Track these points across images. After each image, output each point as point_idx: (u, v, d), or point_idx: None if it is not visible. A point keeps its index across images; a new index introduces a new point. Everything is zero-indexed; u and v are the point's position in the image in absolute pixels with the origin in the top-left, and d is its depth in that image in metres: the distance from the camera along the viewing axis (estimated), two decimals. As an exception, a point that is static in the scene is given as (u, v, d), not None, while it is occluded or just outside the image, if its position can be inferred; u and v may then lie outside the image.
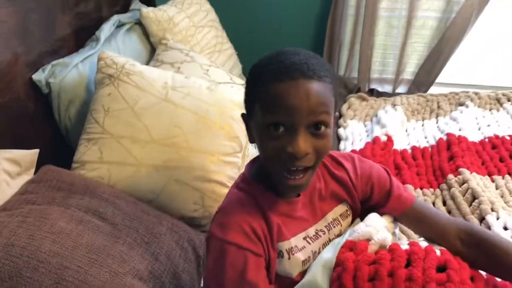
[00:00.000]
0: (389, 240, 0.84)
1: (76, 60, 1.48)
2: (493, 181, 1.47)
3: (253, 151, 1.61)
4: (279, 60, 0.79)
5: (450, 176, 1.46)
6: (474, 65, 2.73)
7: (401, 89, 2.69)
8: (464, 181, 1.42)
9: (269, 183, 0.85)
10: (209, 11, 2.06)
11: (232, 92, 1.45)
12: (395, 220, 0.96)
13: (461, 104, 1.86)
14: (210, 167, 1.30)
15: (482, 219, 1.31)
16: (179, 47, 1.71)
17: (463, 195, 1.38)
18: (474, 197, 1.36)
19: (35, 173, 1.19)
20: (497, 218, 1.28)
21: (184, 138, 1.31)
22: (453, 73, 2.68)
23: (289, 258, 0.86)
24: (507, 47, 2.69)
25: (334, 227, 0.92)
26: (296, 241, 0.87)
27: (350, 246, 0.82)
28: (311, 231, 0.89)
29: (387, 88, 2.70)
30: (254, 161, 0.92)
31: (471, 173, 1.46)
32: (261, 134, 0.79)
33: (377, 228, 0.85)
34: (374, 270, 0.77)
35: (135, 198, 1.23)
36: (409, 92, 2.64)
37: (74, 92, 1.43)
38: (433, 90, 2.61)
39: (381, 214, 0.92)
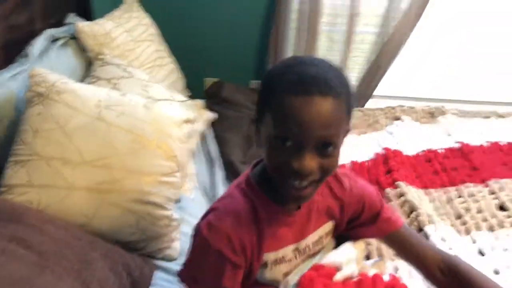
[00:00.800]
0: (355, 274, 0.85)
1: (4, 77, 1.39)
2: (427, 194, 1.52)
3: (193, 170, 1.59)
4: (296, 71, 0.76)
5: (388, 189, 1.49)
6: (410, 77, 2.83)
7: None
8: (401, 194, 1.45)
9: (271, 189, 0.83)
10: (149, 25, 2.02)
11: (170, 110, 1.41)
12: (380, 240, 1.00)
13: (397, 118, 1.91)
14: (146, 189, 1.25)
15: (419, 230, 1.34)
16: (116, 62, 1.66)
17: (401, 208, 1.41)
18: (412, 209, 1.39)
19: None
20: (435, 230, 1.31)
21: (118, 159, 1.26)
22: (390, 85, 2.78)
23: (271, 269, 0.86)
24: (439, 61, 2.80)
25: (318, 244, 0.93)
26: (285, 252, 0.87)
27: (317, 269, 0.83)
28: (302, 244, 0.90)
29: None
30: (259, 161, 0.91)
31: (407, 185, 1.49)
32: (269, 144, 0.77)
33: (347, 260, 0.87)
34: None
35: (66, 223, 1.16)
36: (351, 105, 2.72)
37: (2, 111, 1.34)
38: (372, 102, 2.70)
39: (366, 234, 0.96)
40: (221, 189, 1.56)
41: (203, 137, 1.80)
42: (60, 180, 1.19)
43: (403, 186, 1.48)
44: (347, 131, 0.80)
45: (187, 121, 1.49)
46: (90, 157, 1.22)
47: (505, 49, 2.73)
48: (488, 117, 1.98)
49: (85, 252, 1.09)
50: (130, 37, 1.84)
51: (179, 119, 1.43)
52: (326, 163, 0.75)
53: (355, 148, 1.75)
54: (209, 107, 2.07)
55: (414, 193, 1.47)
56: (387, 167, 1.61)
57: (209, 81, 2.76)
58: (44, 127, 1.22)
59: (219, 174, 1.64)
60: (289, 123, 0.73)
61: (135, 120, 1.31)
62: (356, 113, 1.99)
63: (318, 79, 0.74)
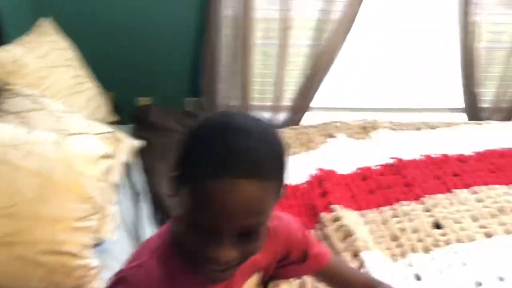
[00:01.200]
0: None
1: None
2: (362, 216, 1.48)
3: (116, 206, 1.47)
4: (223, 145, 0.63)
5: (323, 214, 1.45)
6: (344, 88, 2.84)
7: (281, 116, 2.72)
8: (337, 218, 1.41)
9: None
10: (66, 49, 1.88)
11: (84, 145, 1.31)
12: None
13: (331, 136, 1.88)
14: (58, 237, 1.14)
15: (355, 256, 1.30)
16: (26, 93, 1.52)
17: (336, 232, 1.37)
18: (348, 234, 1.35)
19: None
20: (371, 256, 1.27)
21: (26, 206, 1.14)
22: (326, 97, 2.78)
23: None
24: (372, 70, 2.83)
25: None
26: None
27: None
28: None
29: (267, 116, 2.72)
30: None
31: (342, 208, 1.45)
32: (185, 220, 0.66)
33: None
34: None
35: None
36: (289, 117, 2.69)
37: None
38: (309, 114, 2.69)
39: (295, 273, 0.97)
40: (147, 228, 1.45)
41: (128, 168, 1.69)
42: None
43: (339, 209, 1.44)
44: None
45: (105, 156, 1.38)
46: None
47: (433, 56, 2.79)
48: (419, 128, 1.99)
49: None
50: (44, 63, 1.70)
51: (94, 155, 1.32)
52: (247, 248, 0.67)
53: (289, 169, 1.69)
54: (137, 133, 1.96)
55: (350, 217, 1.43)
56: (322, 189, 1.56)
57: (142, 100, 2.65)
58: None
59: (145, 210, 1.54)
60: (207, 210, 0.63)
61: (44, 160, 1.20)
62: (289, 132, 1.94)
63: (248, 155, 0.63)
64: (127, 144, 1.66)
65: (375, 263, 1.26)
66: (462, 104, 2.77)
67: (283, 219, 0.93)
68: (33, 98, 1.51)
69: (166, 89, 2.68)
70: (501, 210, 1.51)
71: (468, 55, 2.61)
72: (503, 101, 2.79)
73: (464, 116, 2.80)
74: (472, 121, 2.13)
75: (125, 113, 2.34)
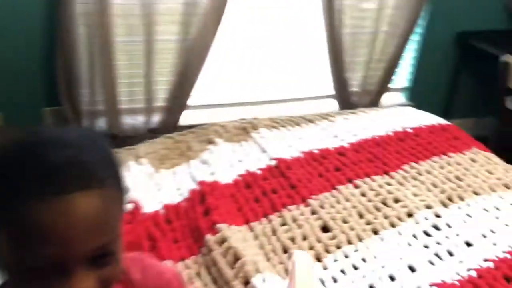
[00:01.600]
0: None
1: None
2: (251, 229, 1.39)
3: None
4: (38, 159, 0.52)
5: (208, 236, 1.32)
6: (219, 84, 2.75)
7: (156, 117, 2.55)
8: (223, 240, 1.29)
9: None
10: None
11: None
12: None
13: (210, 142, 1.75)
14: None
15: (246, 283, 1.19)
16: None
17: (225, 257, 1.26)
18: (236, 257, 1.24)
19: None
20: (263, 280, 1.18)
21: None
22: (206, 94, 2.66)
23: None
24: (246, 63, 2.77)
25: None
26: None
27: None
28: None
29: (140, 120, 2.52)
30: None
31: (229, 225, 1.34)
32: (16, 276, 0.54)
33: None
34: None
35: None
36: (163, 119, 2.53)
37: None
38: (187, 114, 2.54)
39: None
40: None
41: None
42: None
43: (224, 228, 1.32)
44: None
45: None
46: None
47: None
48: (298, 124, 1.96)
49: None
50: None
51: None
52: (106, 273, 0.56)
53: (167, 187, 1.54)
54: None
55: (237, 234, 1.32)
56: (204, 206, 1.43)
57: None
58: None
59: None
60: (41, 244, 0.50)
61: None
62: (166, 142, 1.77)
63: (72, 165, 0.53)
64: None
65: (268, 286, 1.17)
66: (332, 91, 2.84)
67: (156, 265, 0.80)
68: None
69: (21, 100, 2.33)
70: (384, 202, 1.52)
71: (335, 41, 2.66)
72: (370, 84, 2.91)
73: (335, 102, 2.88)
74: (347, 110, 2.15)
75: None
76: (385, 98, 2.99)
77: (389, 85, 2.96)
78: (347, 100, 2.89)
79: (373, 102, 2.95)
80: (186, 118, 2.59)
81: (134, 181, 1.47)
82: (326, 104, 2.90)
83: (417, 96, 3.05)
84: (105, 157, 0.59)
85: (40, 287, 0.54)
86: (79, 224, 0.51)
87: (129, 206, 1.40)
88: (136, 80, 2.47)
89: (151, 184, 1.54)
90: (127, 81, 2.45)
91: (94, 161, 0.56)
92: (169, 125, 2.54)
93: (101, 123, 2.43)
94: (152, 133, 2.41)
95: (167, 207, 1.45)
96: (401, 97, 3.15)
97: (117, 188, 0.59)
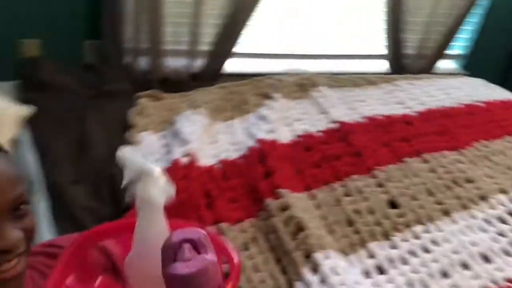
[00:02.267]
0: None
1: None
2: (311, 197, 1.29)
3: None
4: None
5: (268, 201, 1.23)
6: (272, 33, 2.59)
7: (198, 62, 2.40)
8: (285, 207, 1.20)
9: None
10: None
11: None
12: None
13: (268, 97, 1.63)
14: None
15: (307, 256, 1.11)
16: None
17: (286, 226, 1.17)
18: (299, 227, 1.15)
19: None
20: (326, 257, 1.09)
21: None
22: (253, 42, 2.51)
23: None
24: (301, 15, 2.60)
25: None
26: None
27: None
28: None
29: (183, 62, 2.38)
30: None
31: (290, 193, 1.24)
32: None
33: None
34: None
35: None
36: (206, 64, 2.39)
37: None
38: (231, 61, 2.40)
39: None
40: (45, 231, 1.10)
41: (15, 146, 1.29)
42: None
43: (286, 195, 1.23)
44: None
45: None
46: None
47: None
48: (358, 85, 1.82)
49: None
50: None
51: None
52: (28, 224, 0.65)
53: (223, 141, 1.43)
54: (23, 94, 1.53)
55: (299, 204, 1.23)
56: (264, 167, 1.33)
57: (28, 44, 2.15)
58: None
59: (41, 205, 1.18)
60: None
61: None
62: (218, 92, 1.65)
63: None
64: (14, 116, 1.26)
65: (329, 267, 1.08)
66: (383, 51, 2.66)
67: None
68: None
69: (59, 29, 2.20)
70: (455, 181, 1.41)
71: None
72: (426, 48, 2.73)
73: (385, 63, 2.71)
74: (410, 76, 1.99)
75: (6, 62, 1.87)
76: (439, 64, 2.82)
77: (446, 51, 2.78)
78: (399, 62, 2.72)
79: (427, 67, 2.77)
80: (230, 65, 2.45)
81: (192, 133, 1.37)
82: (375, 64, 2.74)
83: (473, 66, 2.86)
84: None
85: None
86: None
87: (184, 160, 1.30)
88: (183, 20, 2.32)
89: (205, 137, 1.44)
90: (173, 21, 2.31)
91: None
92: (212, 72, 2.41)
93: (142, 62, 2.32)
94: (193, 78, 2.30)
95: (223, 163, 1.36)
96: (453, 64, 2.97)
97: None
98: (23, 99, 1.48)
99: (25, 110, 1.39)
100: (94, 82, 1.68)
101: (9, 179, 0.64)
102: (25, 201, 0.65)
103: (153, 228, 0.67)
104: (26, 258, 0.67)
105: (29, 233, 0.66)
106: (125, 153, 0.68)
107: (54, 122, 1.41)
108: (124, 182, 0.66)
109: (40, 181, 1.24)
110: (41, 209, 1.17)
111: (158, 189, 0.66)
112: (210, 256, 0.59)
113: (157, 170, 0.66)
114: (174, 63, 2.39)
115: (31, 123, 1.39)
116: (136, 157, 0.67)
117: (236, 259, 0.68)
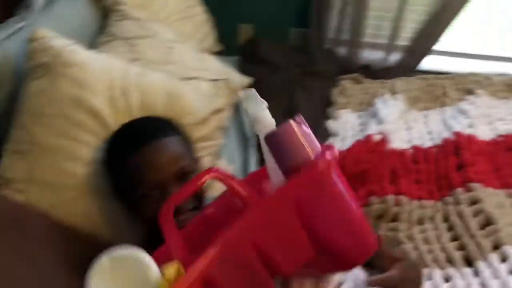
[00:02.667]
0: None
1: (0, 35, 1.15)
2: (509, 196, 1.26)
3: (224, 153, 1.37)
4: (124, 134, 0.95)
5: (459, 190, 1.25)
6: (476, 32, 2.48)
7: (394, 56, 2.44)
8: (476, 201, 1.21)
9: None
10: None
11: (196, 100, 1.22)
12: None
13: (470, 92, 1.61)
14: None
15: (496, 247, 1.10)
16: (135, 16, 1.40)
17: (474, 217, 1.17)
18: (488, 222, 1.15)
19: None
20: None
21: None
22: (452, 40, 2.44)
23: None
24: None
25: None
26: None
27: None
28: None
29: (379, 55, 2.45)
30: None
31: (485, 187, 1.24)
32: (138, 204, 0.89)
33: None
34: None
35: (74, 232, 0.99)
36: (403, 60, 2.41)
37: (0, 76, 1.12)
38: (429, 59, 2.38)
39: None
40: None
41: (235, 108, 1.55)
42: (68, 178, 0.99)
43: (479, 189, 1.23)
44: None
45: (216, 111, 1.25)
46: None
47: None
48: None
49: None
50: (153, -19, 1.55)
51: (204, 115, 1.23)
52: None
53: (418, 129, 1.48)
54: (243, 67, 1.80)
55: (492, 198, 1.22)
56: (459, 159, 1.34)
57: (243, 27, 2.47)
58: (48, 110, 1.01)
59: (253, 157, 1.41)
60: (144, 177, 0.87)
61: (154, 113, 1.10)
62: (421, 82, 1.68)
63: (144, 129, 0.94)
64: (238, 85, 1.50)
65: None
66: None
67: None
68: (142, 24, 1.39)
69: (271, 16, 2.47)
70: None
71: None
72: None
73: None
74: None
75: (226, 41, 2.19)
76: None
77: None
78: None
79: None
80: (427, 62, 2.43)
81: (388, 116, 1.45)
82: None
83: None
84: (164, 120, 0.98)
85: (149, 206, 0.86)
86: (163, 155, 0.88)
87: (377, 137, 1.39)
88: (385, 13, 2.39)
89: (401, 122, 1.51)
90: (376, 14, 2.39)
91: (157, 123, 0.96)
92: (408, 68, 2.43)
93: (341, 51, 2.45)
94: (387, 72, 2.35)
95: (416, 148, 1.41)
96: None
97: (180, 136, 0.95)
98: (243, 71, 1.74)
99: (245, 80, 1.64)
100: (301, 62, 1.88)
101: (176, 156, 0.89)
102: (190, 171, 0.89)
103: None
104: (196, 213, 0.85)
105: (197, 195, 0.88)
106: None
107: (267, 92, 1.59)
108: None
109: (253, 138, 1.48)
110: (252, 160, 1.40)
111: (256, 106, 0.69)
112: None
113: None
114: (370, 55, 2.48)
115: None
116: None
117: None
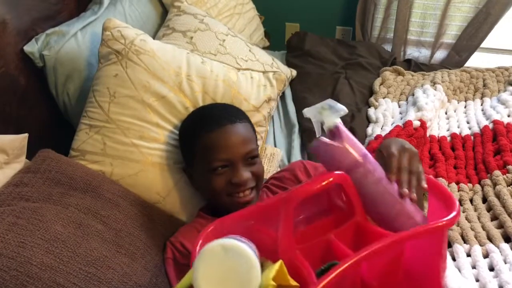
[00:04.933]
0: None
1: (74, 28, 1.35)
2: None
3: (270, 137, 1.50)
4: (204, 115, 1.12)
5: (497, 172, 1.32)
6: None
7: (439, 54, 2.51)
8: (514, 183, 1.28)
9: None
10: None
11: (250, 90, 1.38)
12: None
13: (511, 84, 1.68)
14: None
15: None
16: (193, 12, 1.56)
17: (512, 195, 1.25)
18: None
19: (30, 157, 1.08)
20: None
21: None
22: (499, 38, 2.48)
23: None
24: None
25: None
26: None
27: None
28: None
29: (424, 53, 2.52)
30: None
31: (520, 170, 1.32)
32: (208, 178, 1.03)
33: None
34: None
35: (140, 200, 1.14)
36: (448, 58, 2.47)
37: (73, 65, 1.31)
38: (475, 56, 2.43)
39: None
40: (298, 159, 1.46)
41: (282, 97, 1.69)
42: (136, 154, 1.16)
43: (517, 172, 1.30)
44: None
45: (267, 100, 1.40)
46: (168, 133, 1.18)
47: None
48: None
49: (158, 234, 1.08)
50: (207, -21, 1.72)
51: (257, 102, 1.38)
52: (254, 170, 1.04)
53: (458, 117, 1.57)
54: (289, 60, 1.94)
55: (529, 181, 1.29)
56: (496, 145, 1.42)
57: (290, 26, 2.61)
58: (121, 92, 1.18)
59: (297, 142, 1.54)
60: (218, 152, 1.02)
61: (214, 99, 1.27)
62: (462, 74, 1.77)
63: (222, 113, 1.09)
64: (286, 76, 1.65)
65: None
66: None
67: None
68: (200, 17, 1.55)
69: (317, 16, 2.60)
70: None
71: None
72: None
73: None
74: None
75: (274, 39, 2.33)
76: None
77: None
78: None
79: None
80: (474, 60, 2.49)
81: (427, 104, 1.55)
82: None
83: None
84: (238, 110, 1.15)
85: (222, 180, 1.01)
86: (233, 138, 1.02)
87: (416, 124, 1.48)
88: (430, 12, 2.46)
89: (441, 111, 1.60)
90: (421, 11, 2.47)
91: (233, 110, 1.12)
92: (453, 65, 2.48)
93: (386, 49, 2.52)
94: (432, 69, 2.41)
95: (454, 136, 1.50)
96: None
97: (249, 123, 1.11)
98: (289, 64, 1.88)
99: (290, 72, 1.78)
100: (346, 55, 2.00)
101: (244, 140, 1.03)
102: (255, 155, 1.04)
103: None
104: (258, 191, 1.06)
105: (256, 176, 1.04)
106: (306, 112, 0.78)
107: (311, 83, 1.76)
108: (317, 133, 0.77)
109: (296, 124, 1.61)
110: (296, 145, 1.53)
111: (335, 114, 0.75)
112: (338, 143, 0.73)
113: (326, 102, 0.77)
114: (415, 52, 2.56)
115: (293, 82, 1.78)
116: (313, 109, 0.77)
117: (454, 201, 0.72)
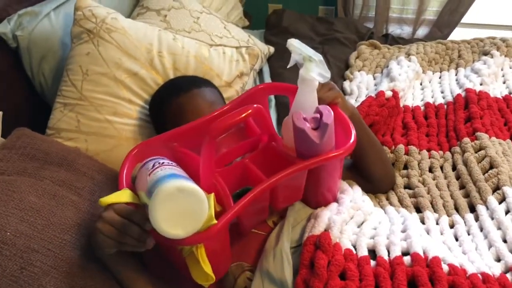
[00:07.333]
0: None
1: (47, 8, 1.39)
2: (516, 146, 1.38)
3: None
4: (171, 84, 1.21)
5: (466, 139, 1.36)
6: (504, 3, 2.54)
7: (422, 30, 2.56)
8: (481, 148, 1.33)
9: None
10: None
11: (222, 64, 1.43)
12: None
13: (486, 53, 1.73)
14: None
15: (496, 188, 1.22)
16: (166, -10, 1.60)
17: (479, 162, 1.30)
18: (492, 166, 1.27)
19: (5, 136, 1.13)
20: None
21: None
22: (480, 12, 2.52)
23: None
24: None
25: None
26: None
27: (313, 242, 0.89)
28: None
29: (406, 30, 2.57)
30: None
31: (490, 137, 1.36)
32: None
33: None
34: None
35: (116, 174, 1.18)
36: (430, 34, 2.52)
37: (46, 46, 1.35)
38: (456, 32, 2.48)
39: None
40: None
41: (259, 73, 1.74)
42: (110, 130, 1.21)
43: (485, 138, 1.34)
44: None
45: (240, 75, 1.44)
46: (141, 109, 1.23)
47: None
48: None
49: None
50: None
51: (229, 78, 1.42)
52: None
53: (432, 87, 1.62)
54: (267, 37, 1.98)
55: (497, 146, 1.33)
56: (467, 113, 1.47)
57: (272, 7, 2.64)
58: (94, 69, 1.23)
59: (273, 115, 1.59)
60: (185, 116, 1.07)
61: (186, 75, 1.32)
62: (437, 46, 1.82)
63: (189, 79, 1.21)
64: (261, 52, 1.69)
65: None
66: None
67: None
68: (172, -4, 1.59)
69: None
70: None
71: None
72: None
73: None
74: None
75: (256, 20, 2.37)
76: None
77: None
78: None
79: None
80: (455, 36, 2.53)
81: (400, 75, 1.59)
82: None
83: None
84: (207, 80, 1.23)
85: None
86: (202, 101, 1.10)
87: (388, 93, 1.52)
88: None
89: (416, 82, 1.65)
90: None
91: (199, 79, 1.21)
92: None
93: (368, 26, 2.56)
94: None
95: (427, 105, 1.54)
96: None
97: (214, 89, 1.19)
98: (267, 41, 1.93)
99: (267, 49, 1.82)
100: (324, 31, 2.05)
101: (212, 103, 1.10)
102: None
103: (307, 100, 0.93)
104: None
105: None
106: (293, 42, 0.91)
107: (289, 59, 1.79)
108: (290, 64, 0.93)
109: (272, 99, 1.66)
110: (272, 119, 1.58)
111: (317, 72, 0.89)
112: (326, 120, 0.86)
113: (319, 56, 0.90)
114: (397, 30, 2.60)
115: (271, 59, 1.84)
116: (302, 46, 0.90)
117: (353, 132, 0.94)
